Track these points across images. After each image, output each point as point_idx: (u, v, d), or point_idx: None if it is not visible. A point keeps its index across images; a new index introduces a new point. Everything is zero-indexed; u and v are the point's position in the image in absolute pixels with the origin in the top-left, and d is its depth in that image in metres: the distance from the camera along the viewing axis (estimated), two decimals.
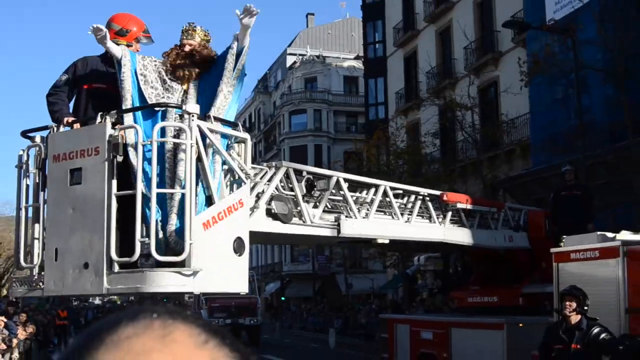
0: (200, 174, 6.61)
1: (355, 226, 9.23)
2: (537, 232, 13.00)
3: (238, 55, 7.07)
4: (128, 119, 6.63)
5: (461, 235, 11.82)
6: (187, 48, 7.06)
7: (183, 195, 6.37)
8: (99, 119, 6.45)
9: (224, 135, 7.00)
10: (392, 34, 43.16)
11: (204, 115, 6.67)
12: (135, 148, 6.38)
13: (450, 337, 12.30)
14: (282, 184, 8.23)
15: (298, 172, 8.52)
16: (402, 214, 10.52)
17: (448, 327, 12.54)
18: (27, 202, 6.97)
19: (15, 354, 14.24)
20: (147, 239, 6.24)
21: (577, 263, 9.23)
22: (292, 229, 8.24)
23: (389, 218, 10.27)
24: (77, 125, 6.76)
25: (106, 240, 6.21)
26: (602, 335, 7.78)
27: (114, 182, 6.31)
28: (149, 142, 6.39)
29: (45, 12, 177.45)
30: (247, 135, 7.36)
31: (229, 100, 7.07)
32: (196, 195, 6.54)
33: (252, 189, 7.52)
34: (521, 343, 10.45)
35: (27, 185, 6.97)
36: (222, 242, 6.63)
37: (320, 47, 67.64)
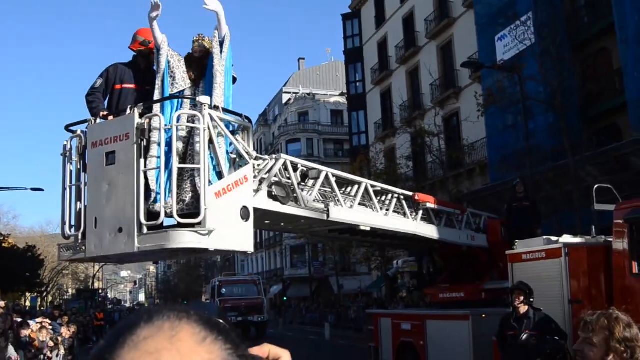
0: (212, 154, 6.82)
1: (341, 212, 9.27)
2: (495, 237, 12.90)
3: (221, 43, 7.26)
4: (156, 107, 6.85)
5: (431, 231, 11.75)
6: (197, 54, 7.29)
7: (199, 170, 6.57)
8: (128, 111, 6.68)
9: (230, 123, 7.26)
10: (369, 74, 43.17)
11: (213, 106, 6.92)
12: (159, 132, 6.59)
13: (426, 327, 12.20)
14: (280, 174, 8.29)
15: (294, 165, 8.61)
16: (381, 209, 10.50)
17: (423, 319, 12.46)
18: (70, 182, 7.17)
19: (62, 350, 14.15)
20: (168, 205, 6.43)
21: (527, 263, 9.19)
22: (289, 209, 8.29)
23: (370, 210, 10.25)
24: (110, 117, 6.96)
25: (136, 208, 6.41)
26: (547, 322, 7.85)
27: (142, 161, 6.52)
28: (170, 127, 6.57)
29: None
30: (249, 124, 7.50)
31: (223, 88, 7.22)
32: (209, 170, 6.76)
33: (257, 175, 7.67)
34: (484, 331, 10.36)
35: (70, 171, 7.17)
36: (230, 208, 6.78)
37: (311, 86, 67.79)
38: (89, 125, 6.96)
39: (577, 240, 8.88)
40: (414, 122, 34.70)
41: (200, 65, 7.29)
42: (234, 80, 7.51)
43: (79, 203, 7.07)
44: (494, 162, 26.74)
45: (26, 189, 36.96)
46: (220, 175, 6.87)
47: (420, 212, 11.59)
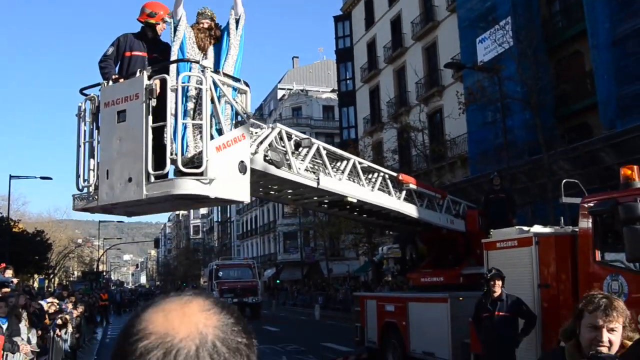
0: (214, 112, 7.04)
1: (331, 181, 9.42)
2: (473, 226, 12.94)
3: (237, 21, 7.56)
4: (172, 70, 7.00)
5: (413, 210, 11.84)
6: (206, 25, 7.50)
7: (202, 125, 6.79)
8: (138, 74, 6.86)
9: (231, 87, 7.44)
10: (359, 72, 43.25)
11: (215, 70, 7.17)
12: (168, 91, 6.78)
13: (408, 309, 12.28)
14: (276, 141, 8.48)
15: (288, 134, 8.79)
16: (367, 185, 10.66)
17: (406, 302, 12.55)
18: (84, 140, 7.35)
19: (70, 328, 14.27)
20: (175, 156, 6.65)
21: (501, 250, 9.29)
22: (283, 174, 8.44)
23: (357, 185, 10.37)
24: (121, 80, 7.12)
25: (144, 159, 6.59)
26: (519, 304, 8.06)
27: (150, 118, 6.68)
28: (177, 87, 6.74)
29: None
30: (247, 88, 7.63)
31: (234, 59, 7.54)
32: (211, 126, 6.98)
33: (254, 140, 7.88)
34: (461, 312, 10.48)
35: (84, 130, 7.36)
36: (229, 162, 6.97)
37: (304, 83, 67.71)
38: (102, 87, 7.14)
39: (547, 230, 8.99)
40: (400, 118, 34.87)
41: (207, 35, 7.51)
42: None
43: (92, 160, 7.29)
44: (474, 156, 26.94)
45: (35, 177, 37.03)
46: (220, 132, 7.11)
47: (404, 193, 11.69)
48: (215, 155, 6.76)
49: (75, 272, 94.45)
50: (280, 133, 8.57)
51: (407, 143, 31.98)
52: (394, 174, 12.01)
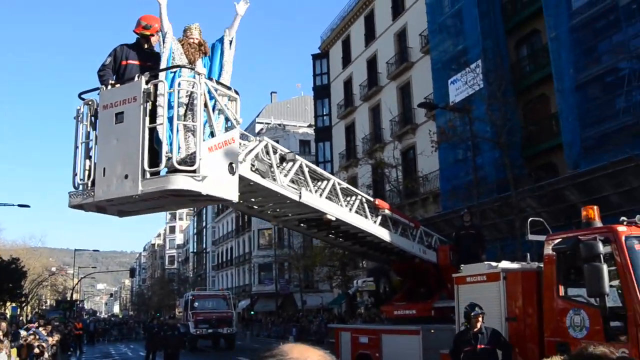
0: (206, 116, 7.31)
1: (312, 197, 9.76)
2: (444, 261, 13.09)
3: (230, 42, 7.99)
4: (162, 77, 7.24)
5: (388, 235, 12.08)
6: (196, 41, 7.82)
7: (195, 127, 7.07)
8: (136, 79, 7.13)
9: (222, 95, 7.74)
10: (336, 109, 43.75)
11: (208, 77, 7.51)
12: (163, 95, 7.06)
13: (381, 341, 12.33)
14: (262, 154, 8.85)
15: (274, 149, 9.18)
16: (345, 205, 10.98)
17: (379, 334, 12.62)
18: (82, 140, 7.56)
19: (46, 356, 14.08)
20: (170, 154, 6.90)
21: (471, 285, 9.48)
22: (268, 184, 8.75)
23: (336, 204, 10.70)
24: (117, 85, 7.39)
25: (141, 157, 6.82)
26: (497, 335, 8.20)
27: (147, 119, 6.95)
28: (172, 91, 7.03)
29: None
30: (237, 96, 7.91)
31: (229, 74, 7.95)
32: (203, 129, 7.24)
33: (243, 150, 8.19)
34: (433, 345, 10.60)
35: (82, 132, 7.58)
36: (220, 162, 7.26)
37: (282, 118, 68.17)
38: (101, 92, 7.40)
39: (514, 265, 9.24)
40: (375, 154, 35.31)
41: (197, 50, 7.82)
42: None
43: (87, 161, 7.52)
44: (446, 192, 27.29)
45: (13, 205, 36.48)
46: (212, 135, 7.40)
47: (380, 218, 12.01)
48: (207, 155, 7.06)
49: (49, 301, 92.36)
50: (266, 146, 8.97)
51: (381, 179, 32.37)
52: (371, 199, 12.35)
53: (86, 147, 7.57)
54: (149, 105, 7.01)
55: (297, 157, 9.80)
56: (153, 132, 7.01)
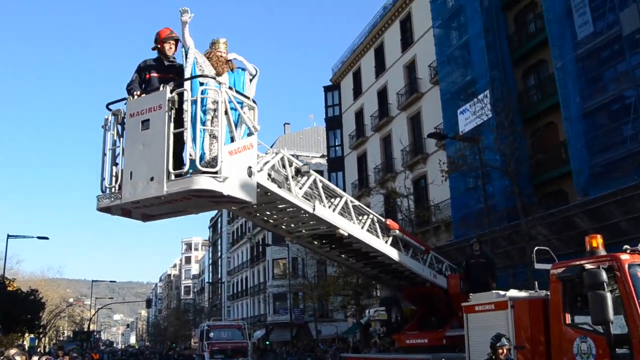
0: (227, 122, 7.68)
1: (325, 210, 10.08)
2: (455, 290, 13.08)
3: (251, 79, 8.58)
4: (187, 87, 7.63)
5: (398, 256, 12.20)
6: (224, 54, 8.32)
7: (217, 132, 7.45)
8: (161, 88, 7.54)
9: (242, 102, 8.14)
10: (347, 139, 44.10)
11: (229, 87, 7.88)
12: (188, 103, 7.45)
13: None
14: (279, 165, 9.24)
15: (290, 161, 9.55)
16: (357, 223, 11.21)
17: None
18: (109, 147, 7.96)
19: None
20: (194, 157, 7.25)
21: (480, 313, 9.51)
22: (283, 193, 9.08)
23: (348, 220, 10.95)
24: (143, 95, 7.81)
25: (166, 160, 7.16)
26: None
27: (172, 125, 7.33)
28: (195, 99, 7.40)
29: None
30: (255, 105, 8.31)
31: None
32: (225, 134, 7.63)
33: (260, 160, 8.55)
34: None
35: (109, 140, 7.97)
36: (240, 165, 7.63)
37: (295, 148, 68.54)
38: (128, 101, 7.81)
39: (521, 294, 9.27)
40: (386, 184, 35.42)
41: (224, 63, 8.29)
42: None
43: (114, 167, 7.90)
44: (457, 220, 27.29)
45: (32, 237, 37.01)
46: (232, 140, 7.77)
47: (391, 238, 12.16)
48: (228, 158, 7.43)
49: (66, 332, 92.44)
50: (282, 159, 9.35)
51: (393, 208, 32.40)
52: (382, 219, 12.45)
53: (113, 153, 7.97)
54: (173, 113, 7.42)
55: (311, 171, 10.13)
56: (178, 138, 7.40)
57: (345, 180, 43.96)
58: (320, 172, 66.37)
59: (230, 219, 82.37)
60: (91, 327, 68.28)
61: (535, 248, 9.57)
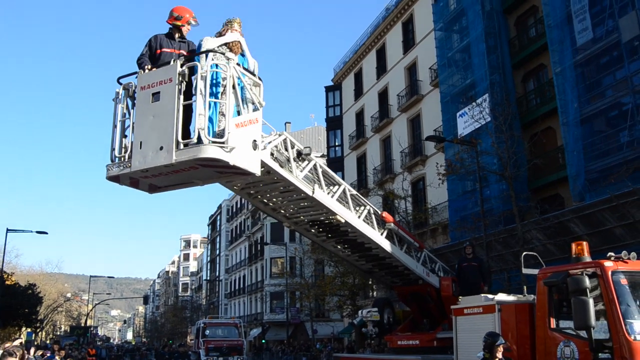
0: (234, 96, 7.94)
1: (323, 195, 10.42)
2: (447, 292, 13.29)
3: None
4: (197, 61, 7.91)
5: (393, 249, 12.48)
6: (239, 35, 8.59)
7: (225, 105, 7.75)
8: (172, 62, 7.82)
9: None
10: (347, 140, 44.26)
11: (236, 63, 8.11)
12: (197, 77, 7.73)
13: None
14: (281, 146, 9.55)
15: (292, 143, 9.82)
16: (354, 212, 11.51)
17: None
18: (120, 118, 8.21)
19: None
20: (203, 127, 7.51)
21: (468, 316, 9.72)
22: (285, 173, 9.40)
23: (346, 208, 11.26)
24: (154, 69, 8.07)
25: (175, 130, 7.44)
26: None
27: (181, 97, 7.62)
28: (205, 72, 7.66)
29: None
30: (260, 82, 8.60)
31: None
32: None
33: (263, 140, 8.81)
34: None
35: (119, 112, 8.23)
36: (246, 138, 7.91)
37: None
38: (139, 75, 8.09)
39: (509, 298, 9.47)
40: (385, 185, 35.57)
41: (239, 47, 8.53)
42: None
43: (124, 139, 8.17)
44: (454, 223, 27.38)
45: (32, 231, 37.17)
46: (239, 114, 8.04)
47: (386, 231, 12.44)
48: (235, 130, 7.71)
49: (63, 326, 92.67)
50: (285, 141, 9.64)
51: (390, 209, 32.52)
52: (379, 211, 12.69)
53: (122, 125, 8.23)
54: (183, 86, 7.70)
55: (312, 156, 10.42)
56: (186, 112, 7.68)
57: (345, 180, 43.79)
58: None
59: (230, 217, 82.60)
60: (88, 323, 68.43)
61: (524, 253, 9.76)
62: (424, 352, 12.23)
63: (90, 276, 71.57)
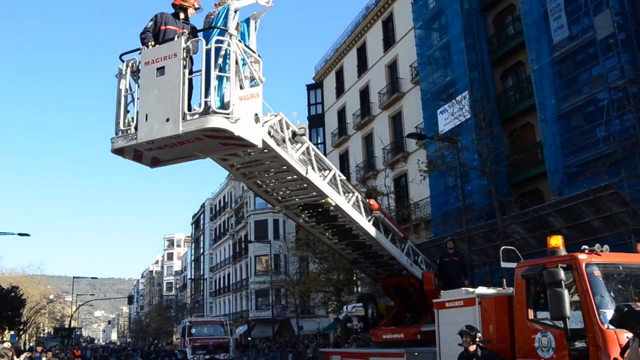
0: (237, 71, 8.23)
1: (316, 176, 10.80)
2: (429, 286, 13.48)
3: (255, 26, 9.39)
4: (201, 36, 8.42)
5: (379, 236, 12.86)
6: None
7: (229, 78, 8.04)
8: (176, 39, 8.10)
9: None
10: (330, 137, 44.49)
11: (238, 39, 8.45)
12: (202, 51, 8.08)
13: None
14: (277, 126, 9.87)
15: (287, 124, 10.17)
16: (344, 197, 11.94)
17: (367, 357, 12.99)
18: (124, 93, 8.43)
19: None
20: (209, 99, 7.85)
21: (449, 309, 9.98)
22: (281, 152, 9.71)
23: (336, 192, 11.65)
24: (157, 46, 8.34)
25: (181, 102, 7.71)
26: (492, 357, 8.47)
27: (186, 71, 7.94)
28: (209, 47, 7.98)
29: None
30: (260, 59, 8.95)
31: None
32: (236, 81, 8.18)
33: (260, 119, 9.01)
34: None
35: (123, 87, 8.45)
36: (248, 111, 8.22)
37: None
38: (143, 51, 8.33)
39: (489, 291, 9.74)
40: (368, 182, 35.83)
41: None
42: None
43: (127, 114, 8.38)
44: (436, 218, 27.76)
45: (13, 233, 36.81)
46: (242, 88, 8.34)
47: (372, 219, 12.86)
48: (238, 102, 8.02)
49: (46, 329, 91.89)
50: (281, 121, 9.99)
51: None
52: (366, 199, 13.14)
53: (125, 100, 8.44)
54: (188, 62, 7.98)
55: (305, 138, 10.77)
56: (190, 87, 7.95)
57: None
58: None
59: (213, 215, 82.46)
60: (72, 324, 67.99)
61: (502, 247, 10.03)
62: (408, 345, 12.42)
63: (73, 277, 71.02)
